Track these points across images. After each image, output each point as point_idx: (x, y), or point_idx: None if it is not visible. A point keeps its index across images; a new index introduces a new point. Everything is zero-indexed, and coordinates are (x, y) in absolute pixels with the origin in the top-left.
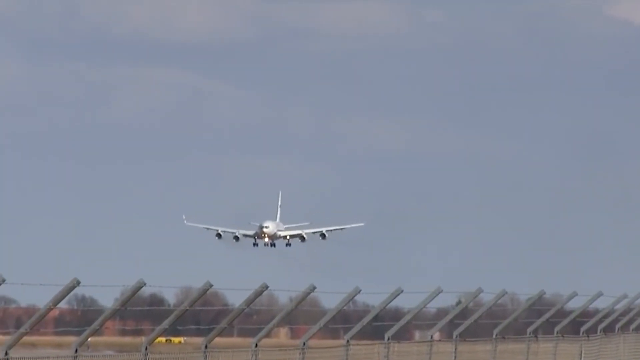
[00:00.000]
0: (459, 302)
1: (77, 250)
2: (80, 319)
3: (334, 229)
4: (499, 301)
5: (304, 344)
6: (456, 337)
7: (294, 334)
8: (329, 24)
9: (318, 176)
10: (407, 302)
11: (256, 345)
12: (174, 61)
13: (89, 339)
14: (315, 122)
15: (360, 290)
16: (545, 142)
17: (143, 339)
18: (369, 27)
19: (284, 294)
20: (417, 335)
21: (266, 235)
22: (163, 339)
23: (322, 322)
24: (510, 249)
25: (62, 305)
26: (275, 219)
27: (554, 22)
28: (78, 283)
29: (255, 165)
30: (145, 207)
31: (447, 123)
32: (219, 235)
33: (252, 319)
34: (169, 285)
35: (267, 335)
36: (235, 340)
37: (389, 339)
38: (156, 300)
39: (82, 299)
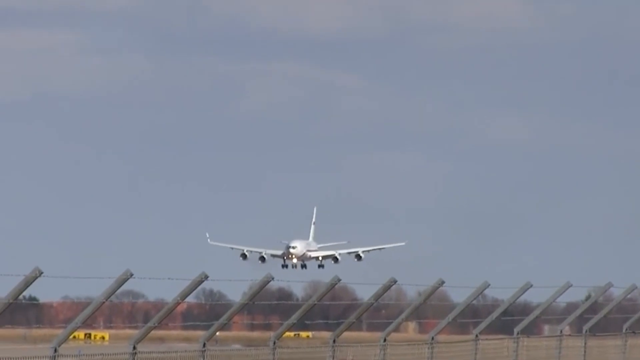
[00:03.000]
0: (588, 297)
1: (204, 245)
2: (208, 313)
3: (372, 249)
4: (629, 295)
5: (433, 338)
6: (586, 331)
7: (422, 329)
8: (460, 18)
9: (441, 171)
10: (536, 297)
11: (385, 339)
12: (302, 56)
13: (217, 334)
14: (444, 116)
15: (489, 285)
16: None
17: (271, 334)
18: (499, 20)
19: (412, 288)
20: (546, 329)
21: (294, 256)
22: (291, 334)
23: (450, 317)
24: None
25: (190, 299)
26: (308, 238)
27: None
28: (206, 277)
29: (374, 160)
30: (273, 198)
31: (577, 116)
32: (244, 256)
33: (381, 313)
34: (297, 279)
35: (396, 329)
36: (364, 334)
37: (518, 333)
38: (284, 295)
39: (211, 293)
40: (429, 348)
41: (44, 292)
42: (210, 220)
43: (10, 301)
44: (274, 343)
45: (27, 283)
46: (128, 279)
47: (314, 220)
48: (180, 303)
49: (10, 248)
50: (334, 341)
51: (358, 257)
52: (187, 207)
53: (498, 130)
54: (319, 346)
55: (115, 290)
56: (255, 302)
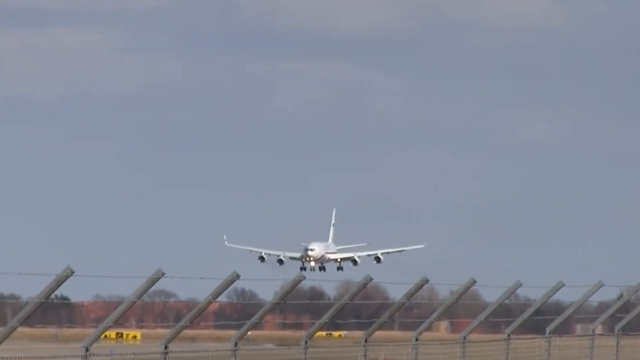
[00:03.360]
0: (620, 296)
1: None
2: (240, 312)
3: (391, 252)
4: None
5: (465, 337)
6: (618, 331)
7: (454, 328)
8: (490, 17)
9: (470, 170)
10: (568, 296)
11: (417, 339)
12: (332, 56)
13: (249, 333)
14: (472, 115)
15: (521, 284)
16: None
17: (303, 333)
18: (529, 19)
19: (444, 287)
20: (579, 329)
21: (312, 259)
22: (323, 333)
23: (482, 316)
24: None
25: (222, 298)
26: (327, 240)
27: None
28: (238, 276)
29: (403, 160)
30: (298, 199)
31: (608, 116)
32: (262, 258)
33: (413, 312)
34: (329, 279)
35: (428, 329)
36: (396, 333)
37: (550, 333)
38: (316, 294)
39: (242, 293)
40: (461, 347)
41: (75, 291)
42: (226, 221)
43: (42, 300)
44: (306, 342)
45: (59, 282)
46: (159, 278)
47: (333, 222)
48: (212, 302)
49: (42, 247)
50: (366, 340)
51: (377, 259)
52: (203, 208)
53: (527, 129)
54: (351, 345)
55: (147, 290)
56: (287, 302)
